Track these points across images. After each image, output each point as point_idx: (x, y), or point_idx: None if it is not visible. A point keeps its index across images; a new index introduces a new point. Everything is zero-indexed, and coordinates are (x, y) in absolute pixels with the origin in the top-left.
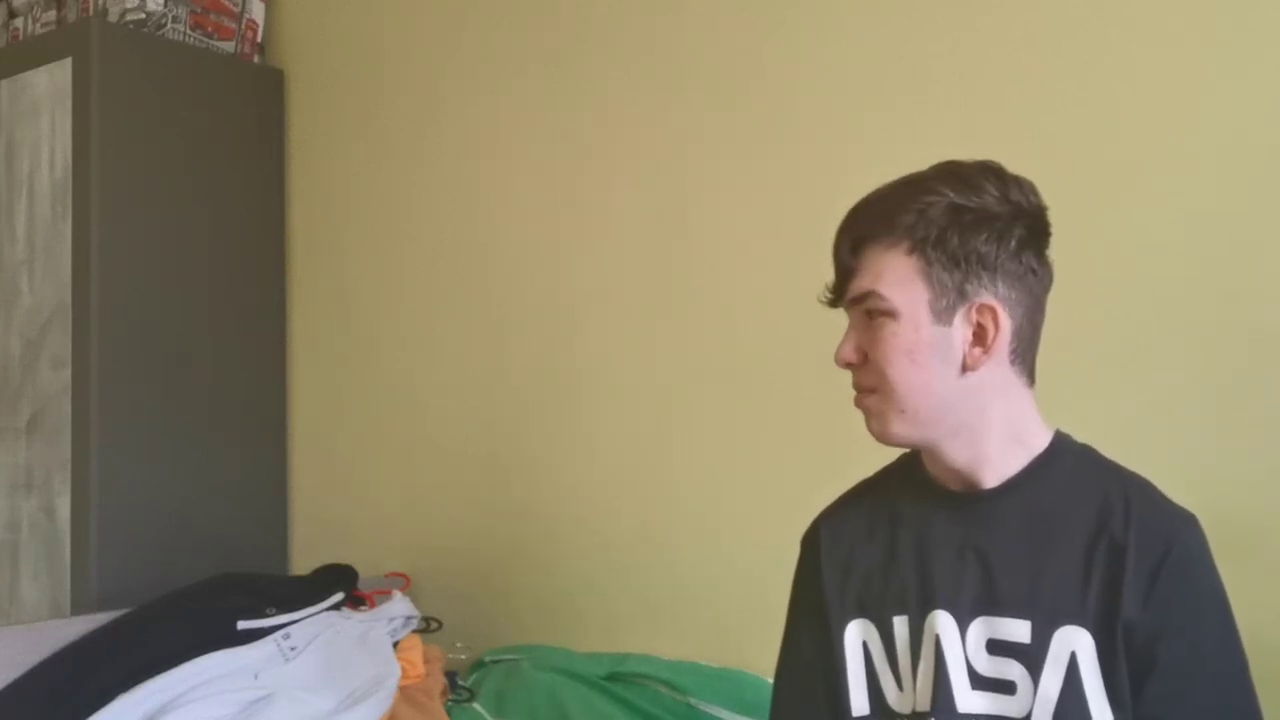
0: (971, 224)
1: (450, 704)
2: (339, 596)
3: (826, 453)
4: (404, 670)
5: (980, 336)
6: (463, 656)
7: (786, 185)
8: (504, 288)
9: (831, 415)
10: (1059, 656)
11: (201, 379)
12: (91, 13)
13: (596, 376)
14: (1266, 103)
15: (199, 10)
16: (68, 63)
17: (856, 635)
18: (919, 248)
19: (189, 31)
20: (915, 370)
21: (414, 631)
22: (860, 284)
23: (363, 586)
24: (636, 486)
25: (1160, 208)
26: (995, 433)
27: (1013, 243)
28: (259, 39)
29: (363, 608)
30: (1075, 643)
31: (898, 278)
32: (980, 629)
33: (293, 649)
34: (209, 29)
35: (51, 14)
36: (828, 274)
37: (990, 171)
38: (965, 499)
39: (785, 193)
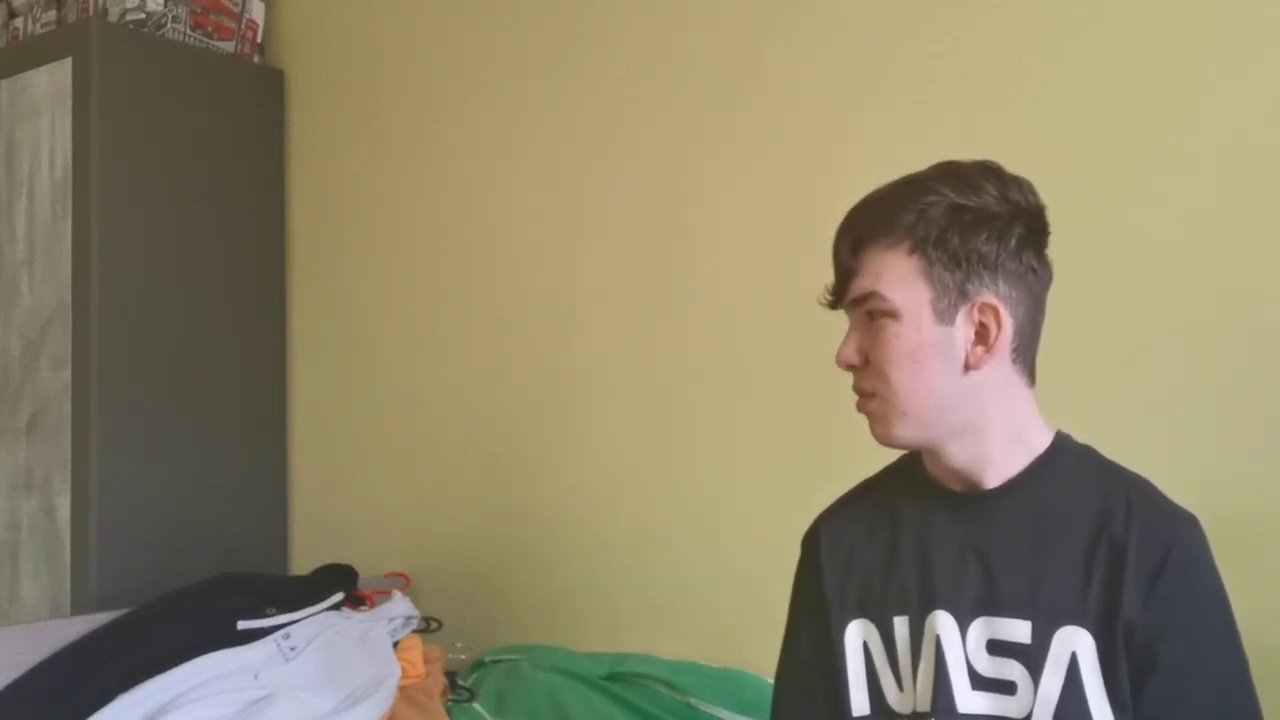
0: (971, 224)
1: (450, 704)
2: (339, 596)
3: (826, 453)
4: (404, 670)
5: (983, 335)
6: (463, 656)
7: (786, 185)
8: (504, 288)
9: (831, 415)
10: (1059, 657)
11: (201, 379)
12: (91, 13)
13: (596, 376)
14: (1266, 103)
15: (199, 10)
16: (68, 63)
17: (857, 635)
18: (920, 247)
19: (189, 31)
20: (917, 371)
21: (414, 631)
22: (861, 285)
23: (363, 586)
24: (636, 486)
25: (1160, 208)
26: (997, 433)
27: (1013, 242)
28: (259, 39)
29: (363, 608)
30: (1076, 643)
31: (899, 278)
32: (981, 629)
33: (293, 649)
34: (209, 29)
35: (51, 14)
36: (828, 274)
37: (989, 171)
38: (966, 499)
39: (785, 193)
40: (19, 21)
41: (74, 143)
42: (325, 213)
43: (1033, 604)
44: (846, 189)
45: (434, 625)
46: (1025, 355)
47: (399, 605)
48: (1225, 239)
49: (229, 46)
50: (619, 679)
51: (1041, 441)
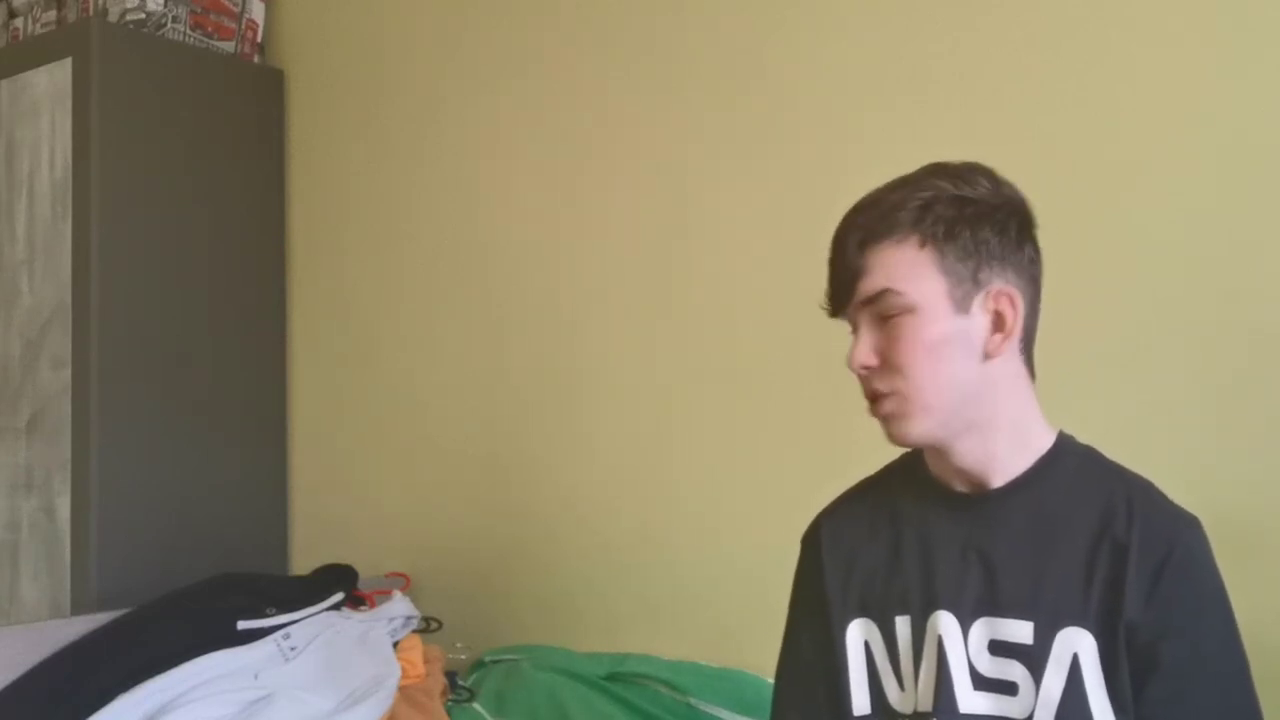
0: (974, 216)
1: (450, 704)
2: (339, 596)
3: (826, 452)
4: (404, 670)
5: (999, 323)
6: (463, 656)
7: (786, 185)
8: (504, 288)
9: (831, 415)
10: (1061, 658)
11: (201, 379)
12: (91, 13)
13: (596, 376)
14: (1266, 103)
15: (199, 10)
16: (68, 63)
17: (858, 635)
18: (930, 240)
19: (189, 31)
20: (938, 364)
21: (414, 631)
22: (871, 283)
23: (363, 586)
24: (636, 486)
25: (1160, 208)
26: (1004, 431)
27: (1013, 232)
28: (259, 39)
29: (363, 608)
30: (1077, 644)
31: (913, 272)
32: (982, 630)
33: (293, 649)
34: (209, 29)
35: (51, 14)
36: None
37: (978, 168)
38: (969, 499)
39: (785, 193)
40: (19, 21)
41: (74, 143)
42: (325, 213)
43: (1035, 605)
44: (846, 189)
45: (434, 625)
46: (1028, 348)
47: (399, 605)
48: (1225, 239)
49: (229, 46)
50: (619, 679)
51: (1044, 441)
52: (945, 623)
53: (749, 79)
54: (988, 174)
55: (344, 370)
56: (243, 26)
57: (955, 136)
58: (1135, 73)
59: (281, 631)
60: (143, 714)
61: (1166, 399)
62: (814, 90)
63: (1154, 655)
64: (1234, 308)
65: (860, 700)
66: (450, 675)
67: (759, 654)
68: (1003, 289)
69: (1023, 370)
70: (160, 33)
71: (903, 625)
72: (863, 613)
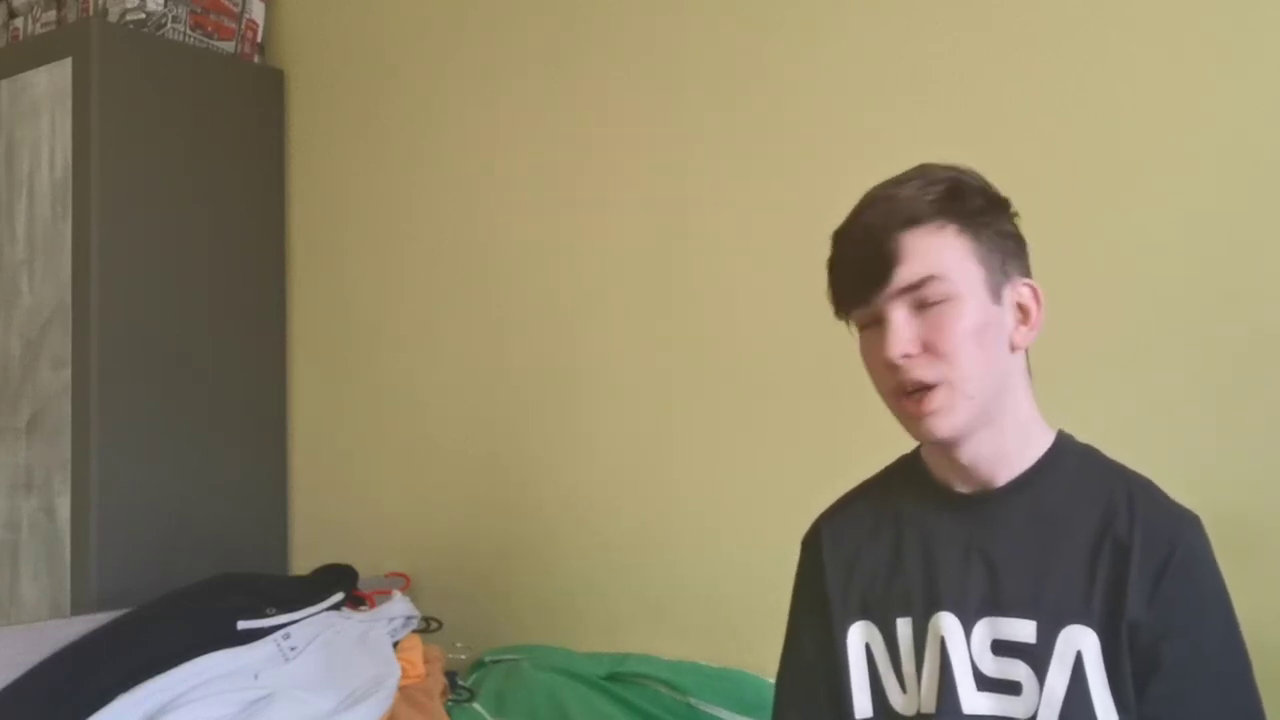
0: (995, 207)
1: (450, 704)
2: (339, 596)
3: (827, 452)
4: (404, 670)
5: (1024, 315)
6: (463, 656)
7: (786, 185)
8: (504, 288)
9: (831, 415)
10: (1064, 656)
11: (201, 379)
12: (91, 13)
13: (596, 376)
14: (1266, 103)
15: (199, 10)
16: (68, 63)
17: (859, 637)
18: (967, 228)
19: (189, 31)
20: (981, 352)
21: (414, 631)
22: (911, 270)
23: (363, 586)
24: (636, 486)
25: (1160, 208)
26: (1014, 428)
27: (1018, 226)
28: (259, 39)
29: (363, 608)
30: (1081, 642)
31: (956, 258)
32: (985, 630)
33: (293, 649)
34: (209, 29)
35: (51, 14)
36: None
37: (967, 168)
38: (970, 500)
39: (785, 193)
40: (19, 21)
41: (74, 143)
42: (325, 213)
43: (1037, 604)
44: (846, 189)
45: (434, 625)
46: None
47: (399, 605)
48: (1225, 239)
49: (229, 46)
50: (619, 679)
51: (1044, 441)
52: (948, 624)
53: (749, 79)
54: (975, 172)
55: (344, 370)
56: (243, 26)
57: (955, 137)
58: (1135, 73)
59: (281, 631)
60: (143, 714)
61: (1166, 399)
62: (814, 91)
63: (1156, 654)
64: (1234, 308)
65: (862, 703)
66: (450, 675)
67: (759, 654)
68: (1026, 281)
69: (1026, 368)
70: (160, 33)
71: (904, 627)
72: (864, 615)
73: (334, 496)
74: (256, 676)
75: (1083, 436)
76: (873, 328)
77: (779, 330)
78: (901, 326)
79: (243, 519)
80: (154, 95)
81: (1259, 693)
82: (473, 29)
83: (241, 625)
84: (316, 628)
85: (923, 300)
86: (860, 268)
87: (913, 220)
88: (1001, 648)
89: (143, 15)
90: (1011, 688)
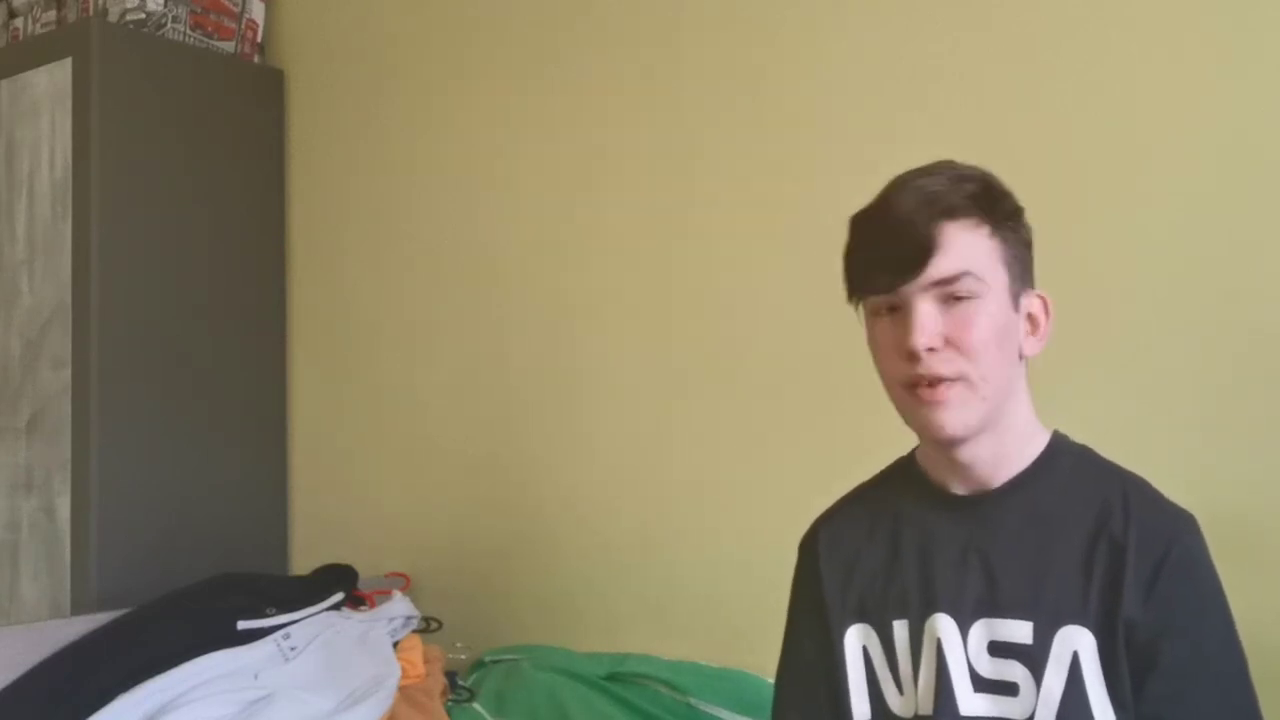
0: (1018, 213)
1: (450, 704)
2: (339, 596)
3: (827, 452)
4: (404, 670)
5: (1034, 324)
6: (463, 656)
7: (788, 186)
8: (504, 288)
9: (832, 415)
10: (1061, 657)
11: (201, 379)
12: (91, 13)
13: (596, 376)
14: (1266, 103)
15: (199, 10)
16: (68, 63)
17: (856, 640)
18: (997, 231)
19: (189, 31)
20: (1000, 355)
21: (414, 631)
22: (949, 264)
23: (363, 586)
24: (636, 486)
25: (1160, 208)
26: (1014, 431)
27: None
28: (259, 39)
29: (363, 608)
30: (1077, 643)
31: (989, 260)
32: (982, 631)
33: (293, 649)
34: (209, 29)
35: (51, 14)
36: (827, 274)
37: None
38: (968, 501)
39: (786, 194)
40: (19, 21)
41: (74, 143)
42: (325, 213)
43: (1034, 604)
44: (847, 189)
45: (434, 625)
46: None
47: (399, 605)
48: (1225, 239)
49: (229, 46)
50: (619, 679)
51: (1040, 441)
52: (944, 626)
53: (749, 79)
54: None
55: (344, 370)
56: (243, 26)
57: (955, 136)
58: (1135, 73)
59: (281, 631)
60: (143, 714)
61: (1166, 399)
62: (815, 91)
63: (1154, 654)
64: (1234, 308)
65: (860, 706)
66: (450, 675)
67: (759, 654)
68: (1039, 292)
69: (1025, 371)
70: (160, 33)
71: (900, 629)
72: (861, 618)
73: (334, 496)
74: (256, 676)
75: (1082, 436)
76: (888, 315)
77: (779, 330)
78: (929, 319)
79: (243, 519)
80: (154, 95)
81: (1256, 692)
82: (473, 29)
83: (241, 625)
84: (316, 628)
85: (952, 295)
86: (894, 254)
87: (950, 212)
88: (998, 649)
89: (143, 15)
90: (1008, 689)
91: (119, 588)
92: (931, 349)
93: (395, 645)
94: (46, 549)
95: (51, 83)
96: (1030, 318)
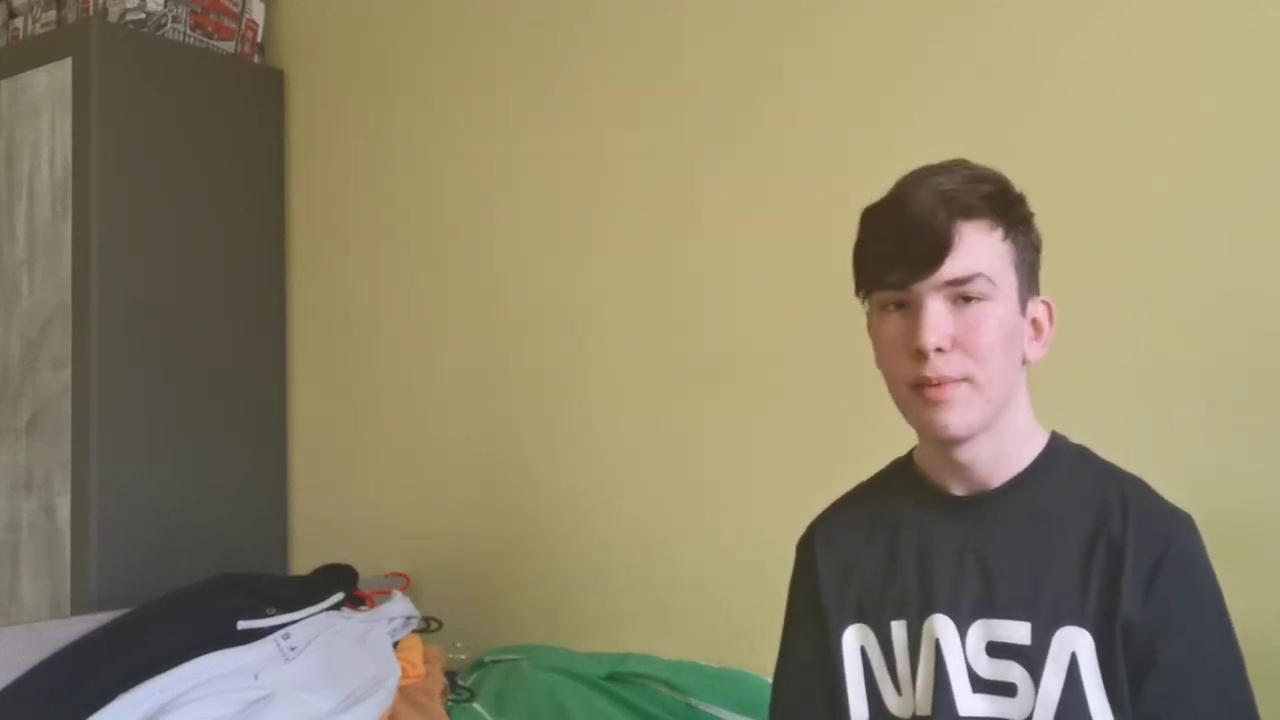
0: (1029, 218)
1: (450, 704)
2: (339, 596)
3: (827, 452)
4: (404, 670)
5: (1037, 329)
6: (463, 656)
7: (790, 186)
8: (504, 288)
9: (832, 415)
10: (1059, 657)
11: (201, 379)
12: (91, 13)
13: (596, 377)
14: (1266, 103)
15: (199, 10)
16: (68, 63)
17: (854, 641)
18: (1010, 235)
19: (189, 31)
20: (1006, 358)
21: (414, 631)
22: (964, 264)
23: (363, 586)
24: (636, 486)
25: (1160, 208)
26: (1013, 433)
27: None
28: (259, 39)
29: (363, 608)
30: (1075, 643)
31: (1001, 263)
32: (980, 631)
33: (293, 649)
34: (209, 29)
35: (51, 14)
36: (827, 274)
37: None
38: (965, 501)
39: (788, 194)
40: (19, 21)
41: (74, 143)
42: (325, 213)
43: (1032, 605)
44: (849, 190)
45: (434, 625)
46: None
47: (399, 605)
48: (1225, 239)
49: (229, 46)
50: (619, 679)
51: (1039, 442)
52: (942, 626)
53: (752, 80)
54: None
55: (344, 370)
56: (243, 26)
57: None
58: (1135, 73)
59: (281, 631)
60: (143, 714)
61: (1166, 399)
62: (818, 92)
63: (1152, 653)
64: (1234, 308)
65: (858, 707)
66: (450, 675)
67: (760, 654)
68: (1044, 298)
69: (1026, 374)
70: (160, 33)
71: (898, 630)
72: (859, 618)
73: (334, 496)
74: (256, 676)
75: (1082, 436)
76: (896, 311)
77: (779, 331)
78: (940, 319)
79: (243, 519)
80: (154, 95)
81: (1253, 691)
82: (473, 29)
83: (241, 625)
84: (316, 628)
85: (963, 295)
86: (909, 251)
87: (967, 212)
88: (996, 649)
89: (143, 15)
90: (1007, 689)
91: (119, 588)
92: (940, 349)
93: (395, 645)
94: (46, 549)
95: (51, 83)
96: (1035, 323)
